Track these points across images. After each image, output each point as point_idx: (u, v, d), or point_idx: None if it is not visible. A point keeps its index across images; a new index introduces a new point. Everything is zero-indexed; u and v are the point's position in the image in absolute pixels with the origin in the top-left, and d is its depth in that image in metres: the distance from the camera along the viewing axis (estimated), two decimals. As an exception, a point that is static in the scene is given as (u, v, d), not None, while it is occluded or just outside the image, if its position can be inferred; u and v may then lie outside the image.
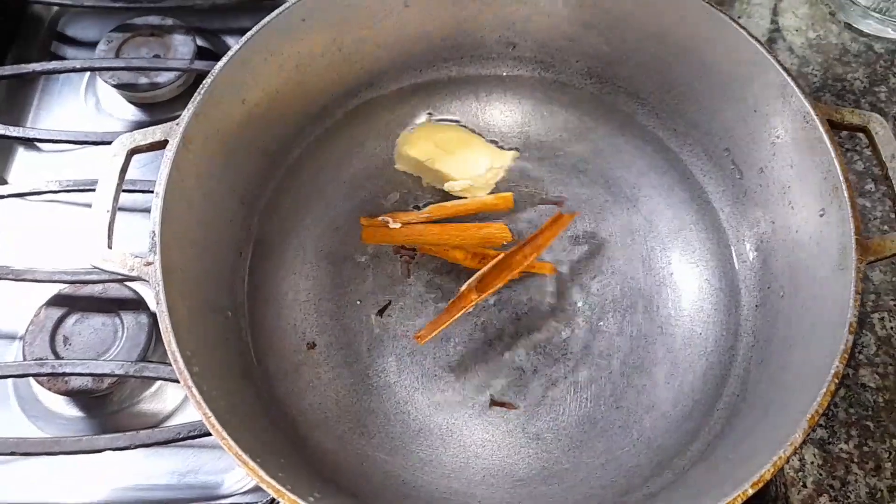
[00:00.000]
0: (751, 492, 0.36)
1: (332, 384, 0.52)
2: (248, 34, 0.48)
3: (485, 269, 0.51)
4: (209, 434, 0.49)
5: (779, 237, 0.50)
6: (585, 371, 0.52)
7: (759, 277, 0.51)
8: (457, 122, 0.59)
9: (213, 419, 0.37)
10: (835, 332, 0.40)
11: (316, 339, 0.53)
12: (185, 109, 0.45)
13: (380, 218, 0.56)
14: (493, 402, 0.51)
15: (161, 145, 0.45)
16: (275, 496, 0.36)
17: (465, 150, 0.57)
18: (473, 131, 0.59)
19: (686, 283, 0.55)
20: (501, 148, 0.59)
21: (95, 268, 0.42)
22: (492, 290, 0.52)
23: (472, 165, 0.57)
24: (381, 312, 0.54)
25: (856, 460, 0.50)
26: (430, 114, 0.59)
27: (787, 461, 0.37)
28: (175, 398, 0.55)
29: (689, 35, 0.49)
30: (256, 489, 0.52)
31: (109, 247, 0.43)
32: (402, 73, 0.57)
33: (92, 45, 0.69)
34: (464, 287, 0.51)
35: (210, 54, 0.70)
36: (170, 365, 0.50)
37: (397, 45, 0.55)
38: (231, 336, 0.49)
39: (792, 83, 0.45)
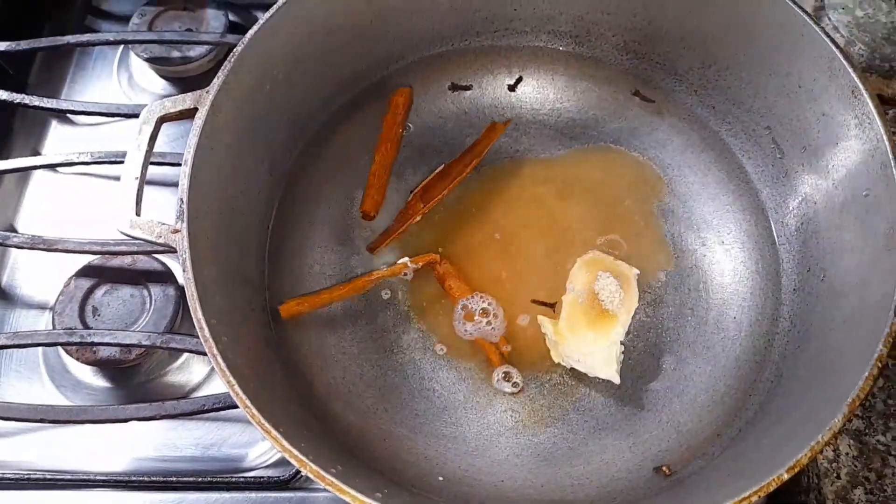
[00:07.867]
0: (786, 476, 0.35)
1: (356, 359, 0.51)
2: (280, 2, 0.47)
3: (428, 179, 0.54)
4: (234, 406, 0.49)
5: (821, 218, 0.48)
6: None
7: (798, 260, 0.49)
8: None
9: (236, 387, 0.37)
10: (878, 314, 0.38)
11: (340, 313, 0.53)
12: (216, 77, 0.45)
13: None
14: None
15: (190, 113, 0.44)
16: (297, 466, 0.36)
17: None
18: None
19: (720, 266, 0.53)
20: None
21: (123, 234, 0.42)
22: (436, 201, 0.54)
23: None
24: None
25: (893, 453, 0.49)
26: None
27: (825, 447, 0.36)
28: (201, 371, 0.55)
29: (734, 5, 0.47)
30: (279, 464, 0.52)
31: (138, 214, 0.43)
32: (434, 44, 0.56)
33: (125, 19, 0.70)
34: (409, 198, 0.54)
35: (242, 29, 0.69)
36: (196, 337, 0.50)
37: (431, 15, 0.54)
38: (256, 307, 0.49)
39: (840, 56, 0.43)
